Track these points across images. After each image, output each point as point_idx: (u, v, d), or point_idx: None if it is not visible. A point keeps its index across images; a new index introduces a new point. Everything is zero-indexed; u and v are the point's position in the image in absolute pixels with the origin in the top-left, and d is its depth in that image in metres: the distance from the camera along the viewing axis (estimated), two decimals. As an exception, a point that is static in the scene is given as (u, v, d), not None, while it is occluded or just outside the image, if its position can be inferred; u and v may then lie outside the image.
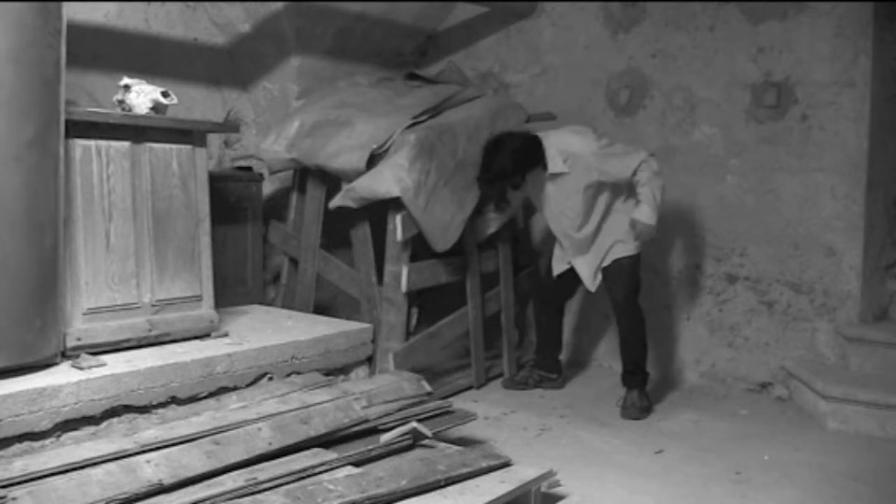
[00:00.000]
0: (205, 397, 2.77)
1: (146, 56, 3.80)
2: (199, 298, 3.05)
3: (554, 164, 3.56)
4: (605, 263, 3.70)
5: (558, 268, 3.87)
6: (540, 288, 4.07)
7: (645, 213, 3.49)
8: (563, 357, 4.13)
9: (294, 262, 4.04)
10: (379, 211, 3.66)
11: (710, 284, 4.19)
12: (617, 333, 3.80)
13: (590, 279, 3.76)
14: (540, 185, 3.67)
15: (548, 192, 3.66)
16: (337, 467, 2.37)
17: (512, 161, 3.52)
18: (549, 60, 4.61)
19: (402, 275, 3.59)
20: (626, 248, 3.65)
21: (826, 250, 3.87)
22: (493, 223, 4.02)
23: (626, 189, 3.63)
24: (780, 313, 4.01)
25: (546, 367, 4.03)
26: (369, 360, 3.46)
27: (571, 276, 3.82)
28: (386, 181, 3.49)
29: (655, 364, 4.09)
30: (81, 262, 2.70)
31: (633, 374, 3.70)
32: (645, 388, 3.72)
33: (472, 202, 3.81)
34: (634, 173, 3.48)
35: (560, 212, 3.68)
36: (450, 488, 2.33)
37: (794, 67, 3.90)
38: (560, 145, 3.57)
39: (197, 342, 2.98)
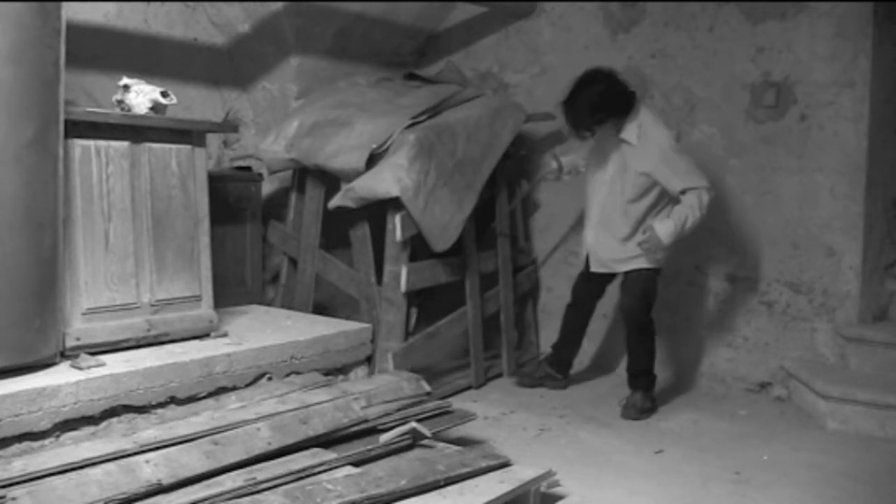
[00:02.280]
0: (204, 397, 2.77)
1: (146, 56, 3.80)
2: (198, 298, 3.05)
3: (629, 131, 3.51)
4: (626, 268, 3.64)
5: (583, 254, 3.82)
6: (575, 284, 3.97)
7: (665, 228, 3.44)
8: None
9: (293, 262, 4.04)
10: (378, 211, 3.66)
11: (709, 284, 4.19)
12: (619, 333, 3.80)
13: (596, 261, 3.71)
14: (605, 146, 3.62)
15: (611, 157, 3.60)
16: (336, 467, 2.37)
17: (599, 99, 3.46)
18: (548, 60, 4.61)
19: (401, 275, 3.59)
20: (647, 261, 3.60)
21: (825, 250, 3.88)
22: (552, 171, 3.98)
23: (670, 204, 3.58)
24: (779, 313, 4.01)
25: (556, 365, 3.99)
26: (368, 360, 3.46)
27: (601, 272, 3.75)
28: (385, 181, 3.49)
29: (655, 364, 4.07)
30: (81, 262, 2.70)
31: (636, 378, 3.69)
32: (650, 390, 3.70)
33: (471, 202, 3.81)
34: (683, 192, 3.44)
35: (611, 180, 3.60)
36: (449, 488, 2.33)
37: (794, 67, 3.91)
38: (642, 119, 3.52)
39: (196, 342, 2.98)
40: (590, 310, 3.95)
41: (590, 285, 3.87)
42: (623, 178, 3.58)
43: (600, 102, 3.47)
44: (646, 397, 3.67)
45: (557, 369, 4.00)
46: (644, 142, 3.50)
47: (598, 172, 3.69)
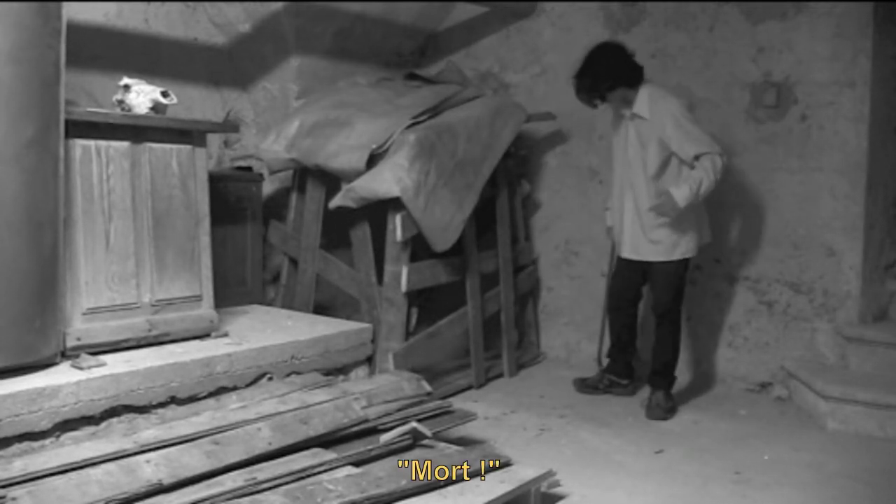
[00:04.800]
0: (204, 397, 2.77)
1: (146, 56, 3.80)
2: (198, 298, 3.05)
3: (640, 106, 3.57)
4: (657, 257, 3.60)
5: (620, 246, 3.79)
6: (610, 284, 3.94)
7: (681, 192, 3.43)
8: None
9: (294, 262, 4.04)
10: (379, 211, 3.67)
11: (710, 284, 4.19)
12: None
13: (628, 245, 3.68)
14: (621, 126, 3.68)
15: (629, 134, 3.64)
16: (337, 467, 2.38)
17: (609, 66, 3.56)
18: (548, 60, 4.61)
19: (401, 275, 3.59)
20: (674, 252, 3.58)
21: (826, 250, 3.88)
22: None
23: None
24: (779, 313, 4.01)
25: (616, 371, 3.94)
26: (369, 360, 3.47)
27: (637, 264, 3.71)
28: (386, 181, 3.49)
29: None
30: (81, 262, 2.70)
31: (661, 376, 3.68)
32: (670, 389, 3.70)
33: (471, 202, 3.81)
34: (696, 158, 3.46)
35: (634, 156, 3.62)
36: (449, 488, 2.33)
37: (794, 67, 3.91)
38: (652, 93, 3.58)
39: (197, 342, 2.98)
40: (631, 306, 3.87)
41: (625, 280, 3.82)
42: (643, 154, 3.59)
43: (610, 70, 3.57)
44: (668, 396, 3.66)
45: (620, 375, 3.93)
46: (655, 112, 3.54)
47: (621, 156, 3.73)
